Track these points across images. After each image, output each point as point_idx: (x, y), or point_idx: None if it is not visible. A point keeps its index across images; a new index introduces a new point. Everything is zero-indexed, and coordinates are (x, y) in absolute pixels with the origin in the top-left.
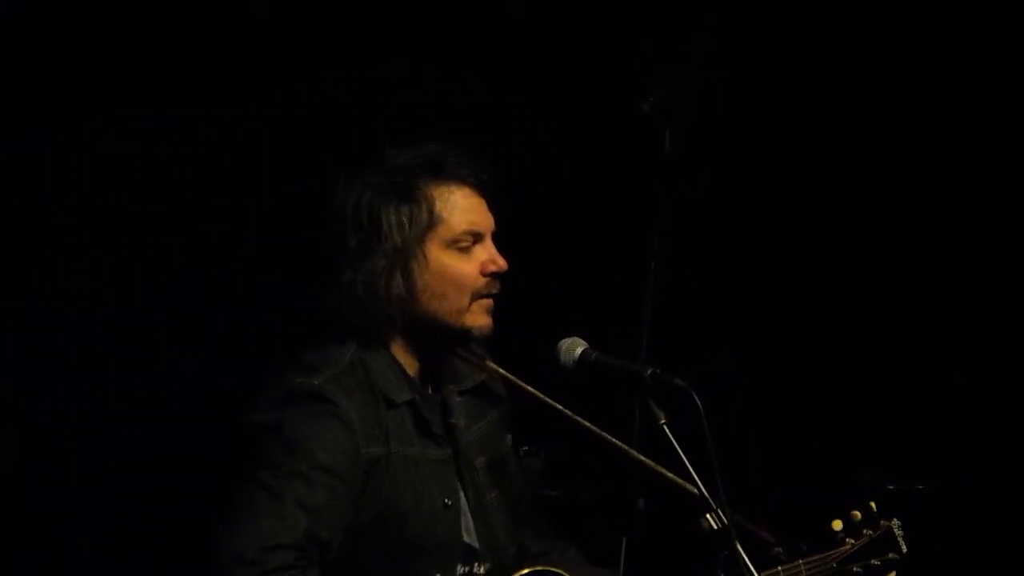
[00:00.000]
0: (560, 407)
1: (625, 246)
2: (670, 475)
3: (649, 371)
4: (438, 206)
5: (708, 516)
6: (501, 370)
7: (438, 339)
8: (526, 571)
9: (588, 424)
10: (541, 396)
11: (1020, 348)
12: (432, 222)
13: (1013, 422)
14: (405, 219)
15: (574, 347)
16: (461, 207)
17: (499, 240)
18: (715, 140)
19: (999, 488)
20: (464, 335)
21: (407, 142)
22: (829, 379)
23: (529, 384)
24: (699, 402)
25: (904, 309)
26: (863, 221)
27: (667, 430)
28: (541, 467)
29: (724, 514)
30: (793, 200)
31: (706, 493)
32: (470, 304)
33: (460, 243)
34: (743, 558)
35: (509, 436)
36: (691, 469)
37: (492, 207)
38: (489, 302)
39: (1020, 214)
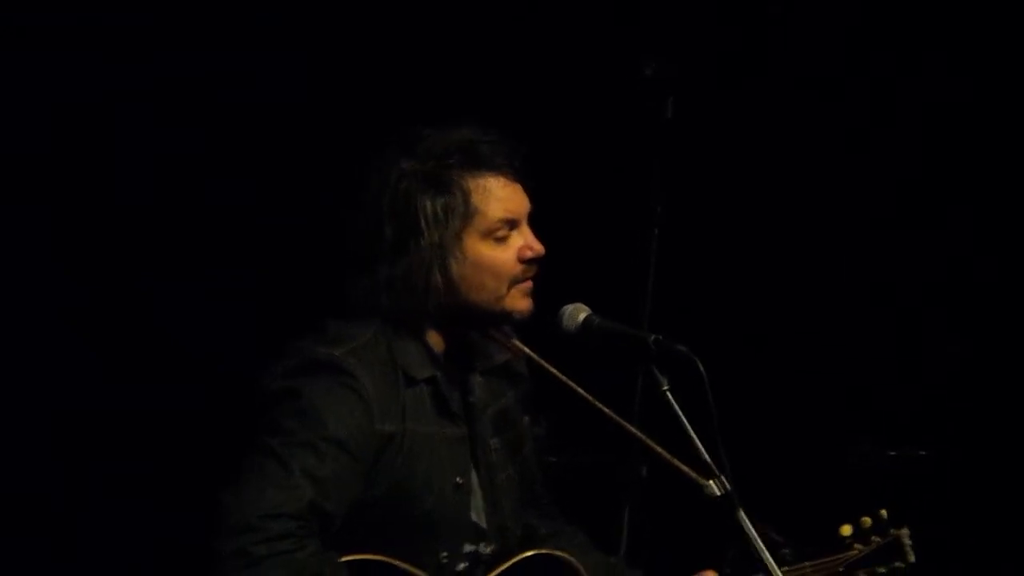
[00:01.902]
0: (582, 391)
1: (628, 212)
2: (679, 464)
3: (652, 337)
4: (475, 197)
5: (711, 482)
6: (526, 349)
7: (476, 323)
8: (530, 553)
9: (608, 410)
10: (564, 379)
11: (1018, 321)
12: (469, 214)
13: (1013, 393)
14: (442, 213)
15: (577, 313)
16: (497, 196)
17: None
18: (717, 106)
19: (998, 456)
20: (504, 319)
21: (435, 120)
22: (832, 346)
23: (542, 356)
24: (702, 369)
25: (905, 278)
26: (865, 190)
27: (670, 397)
28: (544, 433)
29: (727, 480)
30: (796, 166)
31: (708, 459)
32: (508, 290)
33: (497, 233)
34: (747, 526)
35: (527, 417)
36: (693, 436)
37: (527, 189)
38: (528, 285)
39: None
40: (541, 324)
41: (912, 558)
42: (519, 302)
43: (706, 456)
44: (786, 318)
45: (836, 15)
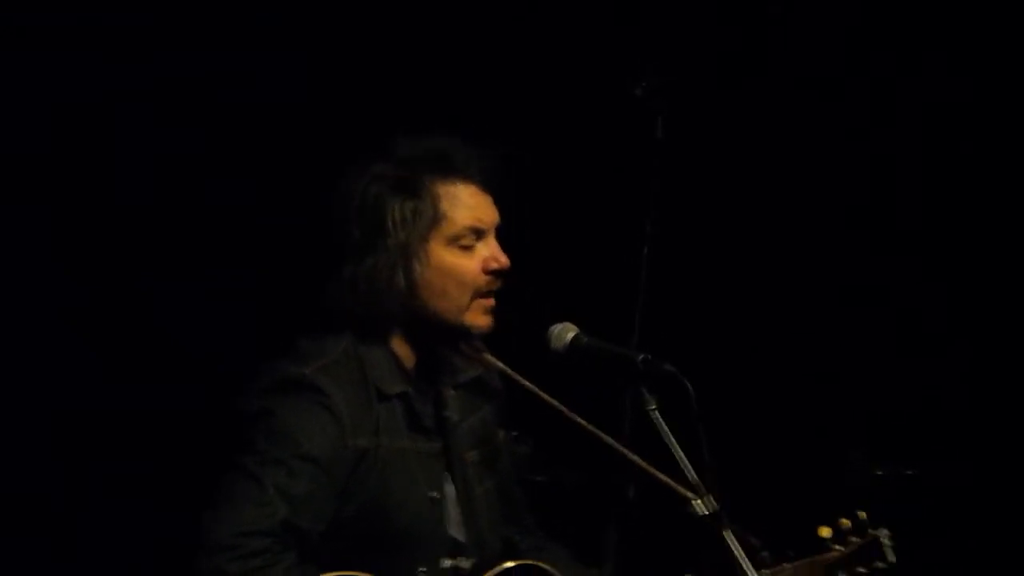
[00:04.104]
0: (556, 403)
1: (617, 231)
2: (662, 476)
3: (640, 357)
4: (443, 203)
5: (698, 502)
6: (499, 363)
7: (437, 335)
8: (511, 564)
9: (583, 421)
10: (537, 391)
11: (1014, 330)
12: (436, 219)
13: (1007, 405)
14: (409, 215)
15: (565, 332)
16: (466, 204)
17: None
18: (712, 119)
19: (990, 471)
20: (463, 333)
21: (415, 131)
22: (821, 362)
23: (521, 372)
24: (690, 388)
25: (897, 290)
26: (854, 205)
27: (657, 416)
28: (529, 452)
29: (714, 500)
30: (785, 184)
31: (696, 479)
32: (470, 302)
33: (462, 240)
34: (733, 546)
35: (502, 431)
36: (681, 455)
37: (498, 203)
38: (489, 301)
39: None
40: (529, 344)
41: (893, 558)
42: (479, 317)
43: (693, 475)
44: (778, 335)
45: (836, 15)
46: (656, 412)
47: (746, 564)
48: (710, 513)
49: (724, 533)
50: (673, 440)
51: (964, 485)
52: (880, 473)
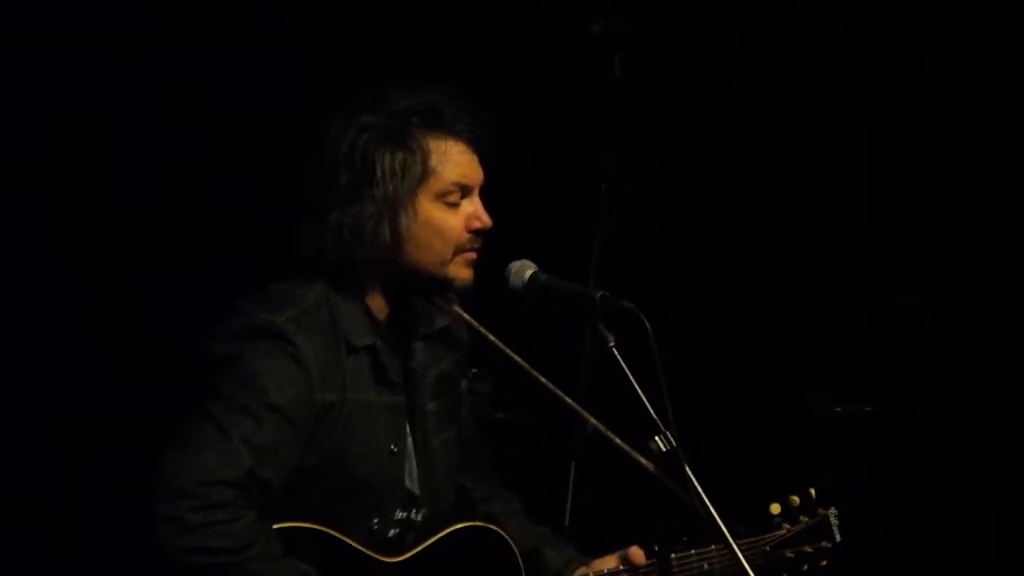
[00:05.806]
0: (519, 359)
1: (575, 169)
2: (628, 448)
3: (599, 294)
4: (433, 158)
5: (657, 439)
6: (466, 315)
7: (418, 287)
8: (462, 526)
9: (547, 382)
10: (502, 347)
11: (974, 274)
12: (425, 173)
13: (967, 345)
14: (399, 167)
15: (524, 270)
16: (455, 161)
17: None
18: (665, 62)
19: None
20: (445, 286)
21: (405, 82)
22: (780, 302)
23: (484, 323)
24: (648, 325)
25: (856, 229)
26: (813, 146)
27: (616, 353)
28: (490, 389)
29: (672, 437)
30: (745, 120)
31: (655, 415)
32: (453, 256)
33: (449, 197)
34: (695, 485)
35: (464, 380)
36: (640, 392)
37: (484, 162)
38: (472, 255)
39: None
40: (488, 282)
41: (838, 538)
42: (461, 271)
43: (652, 412)
44: (736, 273)
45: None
46: (615, 349)
47: (705, 501)
48: (668, 451)
49: (682, 469)
50: (632, 377)
51: (923, 422)
52: (839, 409)
